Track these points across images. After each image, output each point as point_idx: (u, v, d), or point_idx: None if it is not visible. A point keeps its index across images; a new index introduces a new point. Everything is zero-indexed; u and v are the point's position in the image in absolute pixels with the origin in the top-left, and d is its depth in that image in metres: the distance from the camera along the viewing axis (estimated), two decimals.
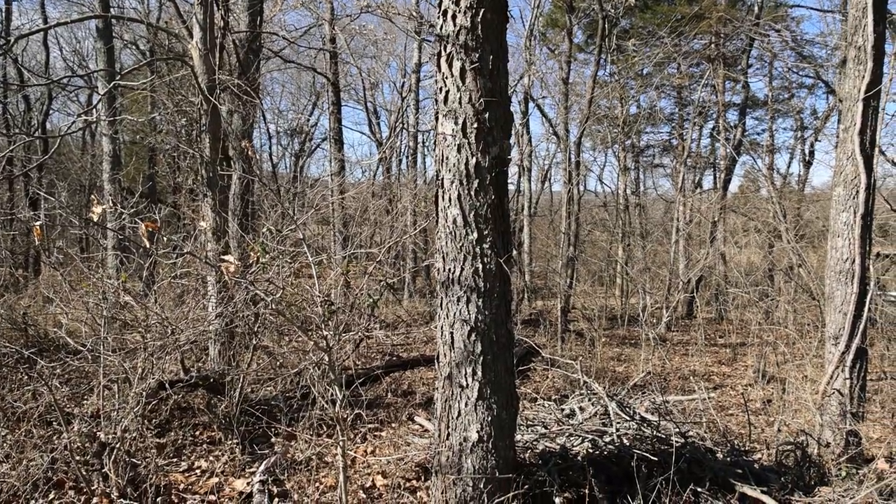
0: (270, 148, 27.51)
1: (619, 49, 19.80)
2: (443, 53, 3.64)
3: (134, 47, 23.25)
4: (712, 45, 20.80)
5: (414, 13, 19.74)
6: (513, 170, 23.83)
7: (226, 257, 3.12)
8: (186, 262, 7.00)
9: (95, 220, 3.55)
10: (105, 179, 12.59)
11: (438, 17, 3.64)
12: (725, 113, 21.67)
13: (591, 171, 27.52)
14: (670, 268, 16.12)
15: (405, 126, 23.40)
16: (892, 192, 17.64)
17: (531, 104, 21.00)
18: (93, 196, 3.51)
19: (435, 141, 3.82)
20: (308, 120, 27.78)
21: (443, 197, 3.79)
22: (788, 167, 26.96)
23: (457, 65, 3.58)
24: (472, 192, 3.68)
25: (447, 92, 3.65)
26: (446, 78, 3.64)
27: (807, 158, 24.95)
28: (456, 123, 3.64)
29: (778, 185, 23.14)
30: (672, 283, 15.89)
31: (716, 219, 17.41)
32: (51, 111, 25.56)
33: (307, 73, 24.91)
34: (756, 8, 19.47)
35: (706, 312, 17.82)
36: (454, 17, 3.56)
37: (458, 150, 3.65)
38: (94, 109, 12.20)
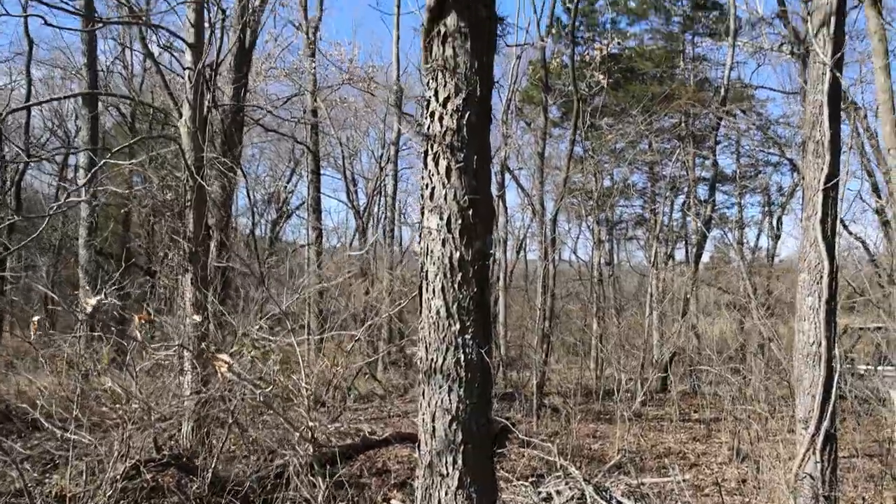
0: (253, 216, 27.57)
1: (593, 126, 20.48)
2: (429, 152, 3.81)
3: (116, 111, 23.53)
4: (682, 125, 21.63)
5: (394, 86, 20.33)
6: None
7: (220, 356, 3.18)
8: (164, 337, 6.98)
9: (89, 311, 3.59)
10: (80, 245, 12.54)
11: (426, 118, 3.84)
12: (696, 188, 22.37)
13: (566, 244, 27.92)
14: (644, 342, 16.29)
15: (383, 195, 23.76)
16: (858, 261, 18.10)
17: (507, 175, 21.46)
18: (85, 287, 3.56)
19: (420, 234, 3.95)
20: (286, 187, 28.03)
21: (427, 288, 3.90)
22: (757, 240, 27.62)
23: (443, 163, 3.75)
24: (456, 285, 3.80)
25: (433, 189, 3.81)
26: (432, 175, 3.81)
27: (775, 232, 25.75)
28: (441, 219, 3.79)
29: (748, 259, 23.76)
30: (646, 358, 16.03)
31: (688, 295, 17.72)
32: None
33: (286, 140, 25.31)
34: (723, 90, 20.32)
35: (680, 386, 17.93)
36: (441, 118, 3.75)
37: (443, 245, 3.79)
38: (76, 180, 12.25)
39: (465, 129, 3.73)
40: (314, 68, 18.55)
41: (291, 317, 9.94)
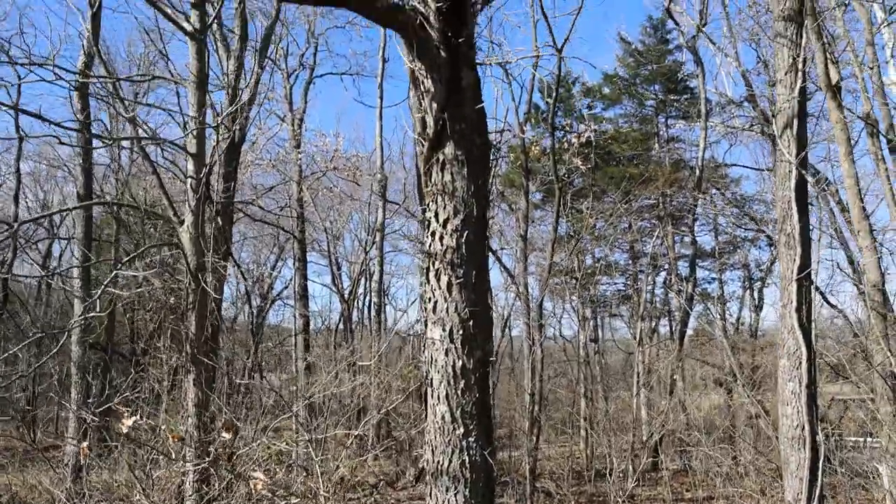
0: (249, 302, 27.59)
1: (574, 208, 21.11)
2: (431, 268, 4.13)
3: (110, 207, 23.83)
4: (660, 205, 22.35)
5: (378, 174, 20.93)
6: None
7: (256, 474, 3.36)
8: (162, 436, 7.05)
9: (125, 431, 3.76)
10: (73, 342, 12.59)
11: (427, 237, 4.17)
12: (676, 265, 22.93)
13: (550, 323, 28.17)
14: (633, 421, 16.38)
15: (369, 279, 24.03)
16: (839, 330, 18.41)
17: (490, 256, 21.88)
18: (122, 408, 3.74)
19: (424, 344, 4.22)
20: (271, 273, 28.25)
21: (432, 395, 4.14)
22: (740, 314, 28.00)
23: (444, 279, 4.06)
24: (459, 392, 4.04)
25: (435, 302, 4.11)
26: (435, 290, 4.11)
27: (756, 304, 26.26)
28: (444, 330, 4.06)
29: (731, 334, 24.07)
30: (636, 437, 16.09)
31: (674, 374, 17.94)
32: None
33: (271, 226, 25.70)
34: (697, 170, 21.11)
35: (672, 465, 17.90)
36: (441, 238, 4.08)
37: (446, 354, 4.05)
38: (59, 268, 12.41)
39: (464, 248, 4.05)
40: (300, 158, 19.13)
41: (284, 408, 10.03)
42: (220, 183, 11.67)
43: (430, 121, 4.09)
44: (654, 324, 25.47)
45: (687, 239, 22.41)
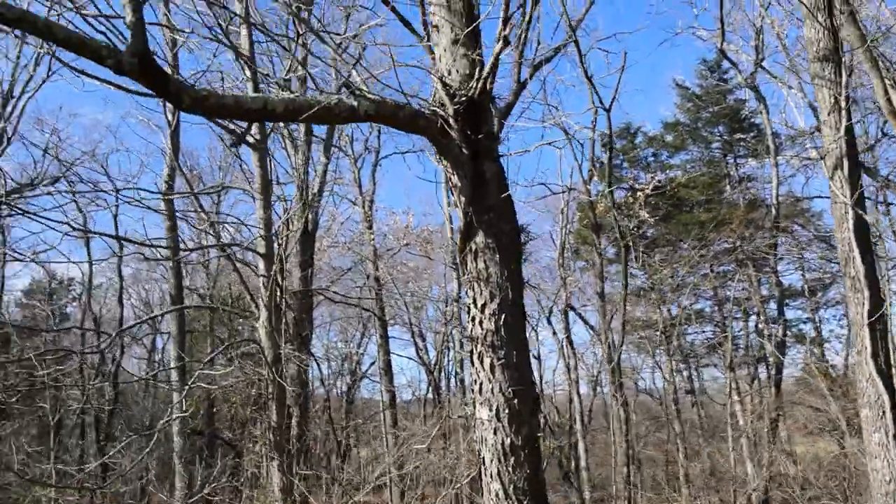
0: (325, 381, 28.33)
1: (647, 263, 20.82)
2: (474, 351, 4.35)
3: (196, 295, 25.30)
4: (738, 248, 21.76)
5: (450, 246, 21.38)
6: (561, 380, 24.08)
7: None
8: None
9: None
10: (175, 432, 13.31)
11: (468, 322, 4.40)
12: (765, 308, 22.06)
13: (641, 376, 27.49)
14: (734, 477, 15.65)
15: (452, 349, 24.23)
16: None
17: (572, 314, 21.69)
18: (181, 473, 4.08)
19: (473, 424, 4.40)
20: (358, 349, 28.92)
21: (485, 473, 4.30)
22: (847, 357, 26.38)
23: (487, 361, 4.27)
24: (510, 468, 4.18)
25: (481, 384, 4.31)
26: (479, 372, 4.32)
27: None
28: (490, 410, 4.25)
29: (834, 374, 22.75)
30: (738, 492, 15.36)
31: (775, 423, 17.10)
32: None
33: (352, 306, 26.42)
34: (773, 208, 20.51)
35: None
36: (481, 322, 4.31)
37: (495, 433, 4.22)
38: (163, 362, 13.26)
39: (502, 330, 4.27)
40: (373, 238, 19.83)
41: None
42: (296, 272, 12.34)
43: (459, 213, 4.38)
44: (751, 370, 24.41)
45: (771, 280, 21.63)
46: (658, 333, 21.27)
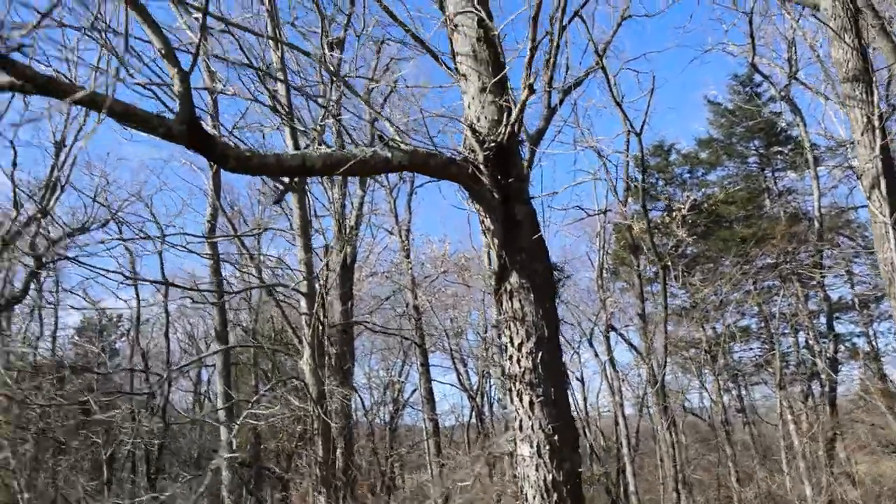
0: (368, 412, 28.50)
1: (689, 276, 20.58)
2: (513, 389, 4.45)
3: (240, 329, 25.83)
4: (782, 263, 21.40)
5: (488, 272, 21.47)
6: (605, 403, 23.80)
7: None
8: None
9: None
10: (223, 466, 13.56)
11: (506, 360, 4.51)
12: (813, 323, 21.57)
13: (688, 398, 27.00)
14: (791, 499, 15.27)
15: (493, 375, 24.21)
16: None
17: (614, 335, 21.50)
18: None
19: (515, 461, 4.49)
20: (399, 377, 29.07)
21: None
22: None
23: (525, 399, 4.36)
24: None
25: (521, 421, 4.40)
26: (518, 409, 4.41)
27: None
28: (531, 446, 4.33)
29: (894, 392, 22.05)
30: None
31: (830, 443, 16.66)
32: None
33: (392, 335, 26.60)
34: (816, 221, 20.12)
35: None
36: (518, 361, 4.42)
37: (536, 469, 4.30)
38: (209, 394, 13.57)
39: (539, 367, 4.36)
40: (411, 268, 20.06)
41: None
42: (336, 305, 12.58)
43: (493, 255, 4.52)
44: (803, 388, 23.80)
45: (819, 296, 21.17)
46: (703, 352, 20.96)
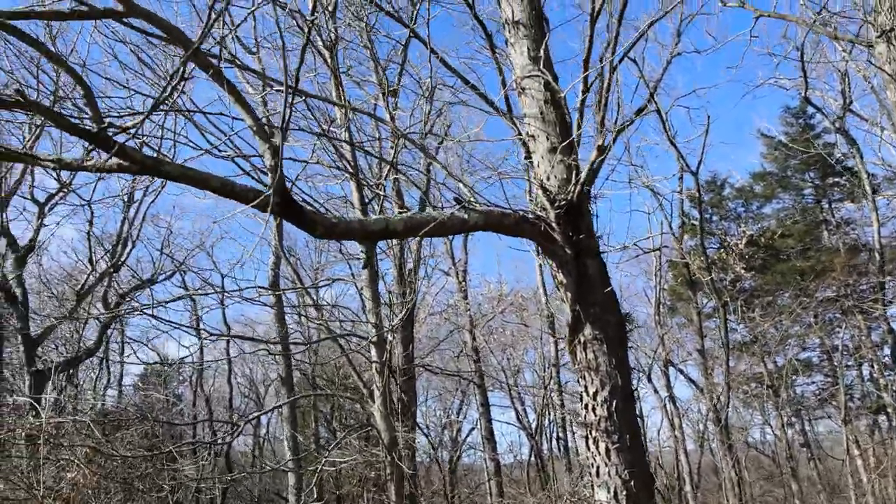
0: (431, 453, 28.54)
1: (748, 310, 20.23)
2: (589, 437, 4.61)
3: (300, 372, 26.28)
4: (843, 296, 20.89)
5: (546, 310, 21.51)
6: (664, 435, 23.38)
7: None
8: None
9: None
10: (292, 502, 13.82)
11: (582, 409, 4.68)
12: (878, 355, 20.92)
13: (751, 434, 26.28)
14: None
15: (551, 411, 24.05)
16: None
17: (672, 370, 21.17)
18: None
19: None
20: (457, 416, 29.08)
21: None
22: None
23: (602, 446, 4.51)
24: None
25: (598, 467, 4.55)
26: (595, 456, 4.56)
27: None
28: (608, 492, 4.47)
29: None
30: None
31: None
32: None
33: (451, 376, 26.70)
34: (877, 253, 19.66)
35: None
36: (594, 409, 4.58)
37: None
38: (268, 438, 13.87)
39: (615, 416, 4.52)
40: (469, 308, 20.25)
41: None
42: (398, 349, 12.84)
43: (566, 308, 4.72)
44: (870, 422, 23.00)
45: (882, 329, 20.58)
46: (765, 387, 20.49)
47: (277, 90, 5.73)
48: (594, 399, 4.59)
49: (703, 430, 27.22)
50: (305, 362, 24.55)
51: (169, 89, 3.54)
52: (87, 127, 3.32)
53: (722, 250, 17.41)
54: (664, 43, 13.75)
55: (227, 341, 17.79)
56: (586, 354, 4.65)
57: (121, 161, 3.53)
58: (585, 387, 4.64)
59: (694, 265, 17.62)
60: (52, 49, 3.67)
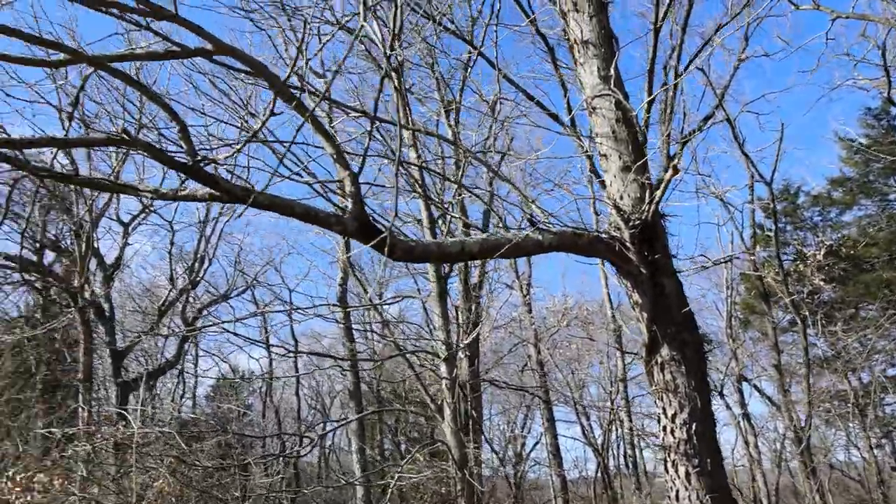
0: (498, 467, 28.42)
1: (829, 323, 19.41)
2: (668, 460, 4.54)
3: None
4: None
5: (612, 323, 21.18)
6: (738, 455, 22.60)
7: None
8: None
9: None
10: None
11: (660, 431, 4.62)
12: None
13: (835, 456, 25.15)
14: None
15: (618, 427, 23.60)
16: None
17: (746, 385, 20.48)
18: None
19: None
20: (522, 430, 28.88)
21: None
22: None
23: (681, 469, 4.44)
24: None
25: (677, 491, 4.47)
26: (675, 479, 4.49)
27: None
28: None
29: None
30: None
31: None
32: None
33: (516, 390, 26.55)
34: None
35: None
36: (672, 431, 4.51)
37: None
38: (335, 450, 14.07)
39: (694, 438, 4.44)
40: (533, 322, 20.13)
41: None
42: (464, 364, 12.88)
43: (642, 328, 4.67)
44: None
45: None
46: (850, 405, 19.60)
47: (354, 117, 5.90)
48: (672, 421, 4.52)
49: (781, 450, 26.23)
50: (372, 376, 24.92)
51: (259, 124, 3.69)
52: (183, 160, 3.51)
53: (798, 261, 16.79)
54: (731, 48, 13.40)
55: (295, 358, 18.17)
56: (664, 375, 4.59)
57: (213, 191, 3.71)
58: (663, 408, 4.58)
59: (768, 277, 17.06)
60: (152, 89, 3.88)
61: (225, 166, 4.89)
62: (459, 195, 12.51)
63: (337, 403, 34.22)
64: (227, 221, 17.61)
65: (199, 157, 3.49)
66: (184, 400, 29.81)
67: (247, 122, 7.45)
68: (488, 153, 11.96)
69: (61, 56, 3.61)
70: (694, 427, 4.45)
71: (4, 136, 3.95)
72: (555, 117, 8.07)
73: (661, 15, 5.24)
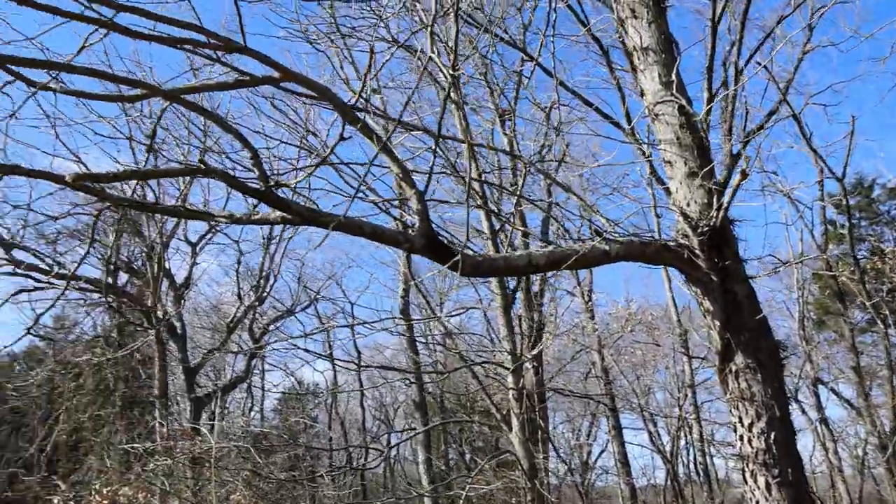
0: (568, 475, 28.15)
1: None
2: (746, 470, 4.44)
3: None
4: None
5: (678, 328, 20.75)
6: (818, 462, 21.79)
7: None
8: None
9: None
10: None
11: (737, 440, 4.52)
12: None
13: None
14: None
15: (688, 433, 23.06)
16: None
17: (822, 389, 19.79)
18: None
19: None
20: (587, 438, 28.50)
21: None
22: None
23: (761, 480, 4.34)
24: None
25: (757, 501, 4.37)
26: (754, 490, 4.38)
27: None
28: None
29: None
30: None
31: None
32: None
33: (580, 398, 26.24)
34: None
35: None
36: (749, 441, 4.41)
37: None
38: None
39: (773, 448, 4.33)
40: (596, 328, 19.88)
41: None
42: (529, 372, 12.84)
43: (715, 335, 4.59)
44: None
45: None
46: None
47: (415, 135, 6.00)
48: (749, 430, 4.42)
49: (864, 456, 25.12)
50: (437, 387, 25.04)
51: (327, 149, 3.81)
52: (255, 186, 3.64)
53: (876, 258, 16.14)
54: (794, 40, 13.01)
55: (358, 370, 18.44)
56: (739, 384, 4.49)
57: (284, 214, 3.83)
58: (740, 417, 4.48)
59: (843, 275, 16.43)
60: (225, 119, 4.04)
61: (296, 191, 5.05)
62: (519, 206, 12.55)
63: (401, 414, 34.57)
64: (290, 238, 18.03)
65: (272, 183, 3.62)
66: (253, 413, 30.57)
67: (307, 140, 7.66)
68: (545, 161, 11.95)
69: (138, 91, 3.81)
70: (773, 436, 4.34)
71: (88, 172, 4.17)
72: (615, 124, 8.02)
73: (718, 10, 5.16)
